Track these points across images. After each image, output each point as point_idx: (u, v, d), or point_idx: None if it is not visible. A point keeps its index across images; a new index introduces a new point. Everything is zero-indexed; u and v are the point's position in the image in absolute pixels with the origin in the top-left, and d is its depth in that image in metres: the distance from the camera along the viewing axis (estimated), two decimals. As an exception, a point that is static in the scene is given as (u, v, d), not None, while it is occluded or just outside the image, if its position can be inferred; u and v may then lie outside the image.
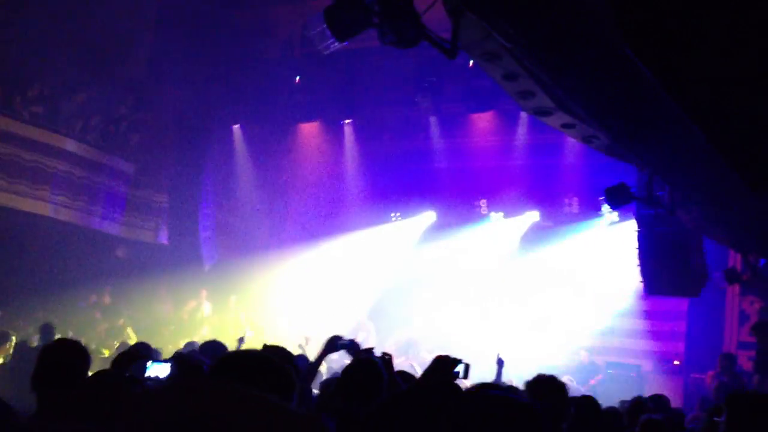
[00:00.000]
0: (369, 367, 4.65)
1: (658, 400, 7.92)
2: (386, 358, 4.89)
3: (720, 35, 4.10)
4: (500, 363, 9.06)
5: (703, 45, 4.21)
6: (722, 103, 4.89)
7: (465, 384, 4.72)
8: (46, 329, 12.26)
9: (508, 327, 17.32)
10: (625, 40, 4.01)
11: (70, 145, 17.38)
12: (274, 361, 2.01)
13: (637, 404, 7.18)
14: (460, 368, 4.24)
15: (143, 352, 4.13)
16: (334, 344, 5.97)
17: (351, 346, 5.94)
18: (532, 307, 17.91)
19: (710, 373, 12.88)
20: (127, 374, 3.74)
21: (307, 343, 13.55)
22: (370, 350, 5.56)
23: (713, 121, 5.12)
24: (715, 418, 5.51)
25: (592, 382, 15.38)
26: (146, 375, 3.71)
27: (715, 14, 4.00)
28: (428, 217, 19.53)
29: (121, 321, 16.92)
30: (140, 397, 0.76)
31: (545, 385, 5.06)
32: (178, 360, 4.11)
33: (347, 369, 4.74)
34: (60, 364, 3.87)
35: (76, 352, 4.03)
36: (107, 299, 17.96)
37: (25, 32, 15.74)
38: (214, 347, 7.20)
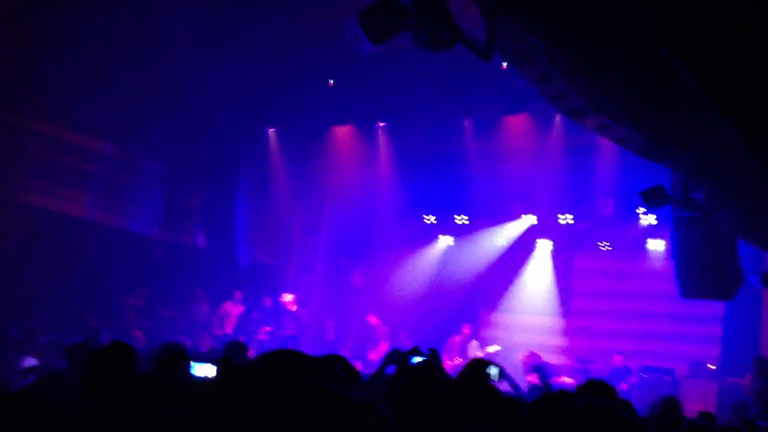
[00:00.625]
0: (431, 369, 4.69)
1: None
2: (434, 352, 4.93)
3: (759, 36, 4.08)
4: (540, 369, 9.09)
5: (742, 46, 4.19)
6: (761, 105, 4.86)
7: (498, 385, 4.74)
8: (91, 333, 12.37)
9: (543, 331, 17.33)
10: (662, 41, 4.00)
11: (107, 148, 17.59)
12: (317, 357, 2.04)
13: (669, 405, 7.07)
14: (493, 371, 4.28)
15: (185, 353, 4.16)
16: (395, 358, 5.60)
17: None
18: (567, 312, 17.88)
19: (748, 376, 12.75)
20: (173, 375, 3.77)
21: None
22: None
23: (752, 123, 5.09)
24: (759, 423, 5.49)
25: (624, 386, 15.27)
26: (191, 374, 3.72)
27: (754, 13, 3.98)
28: (461, 220, 19.59)
29: None
30: (199, 387, 0.78)
31: (596, 391, 5.02)
32: (222, 360, 4.15)
33: (412, 368, 4.78)
34: (113, 367, 3.94)
35: (126, 355, 4.09)
36: (143, 301, 18.13)
37: (59, 35, 15.96)
38: (236, 347, 7.22)
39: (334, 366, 2.72)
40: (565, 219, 18.33)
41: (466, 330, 17.90)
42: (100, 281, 16.73)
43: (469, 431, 3.42)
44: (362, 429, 0.73)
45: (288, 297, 18.37)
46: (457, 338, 17.68)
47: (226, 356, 5.93)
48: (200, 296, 18.82)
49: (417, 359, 4.96)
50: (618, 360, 16.30)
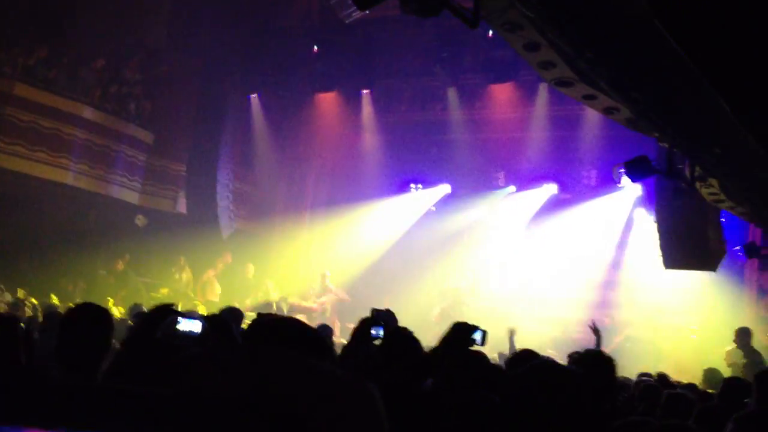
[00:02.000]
0: (406, 338, 4.66)
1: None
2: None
3: (750, 8, 4.04)
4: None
5: (732, 14, 4.16)
6: (753, 78, 4.84)
7: (482, 350, 4.73)
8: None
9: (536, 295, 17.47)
10: (653, 12, 3.96)
11: (89, 113, 17.42)
12: (310, 327, 2.00)
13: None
14: (477, 335, 4.26)
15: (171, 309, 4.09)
16: (367, 336, 5.43)
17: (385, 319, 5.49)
18: (556, 275, 17.92)
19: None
20: (159, 333, 3.71)
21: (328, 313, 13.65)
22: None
23: (743, 96, 5.07)
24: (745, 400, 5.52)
25: (617, 340, 15.35)
26: (178, 330, 3.66)
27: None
28: (443, 189, 19.52)
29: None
30: (191, 361, 0.75)
31: (592, 359, 5.02)
32: (207, 318, 4.09)
33: (385, 340, 4.74)
34: (84, 330, 3.87)
35: (99, 317, 4.03)
36: (120, 266, 18.01)
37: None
38: (232, 313, 7.23)
39: (326, 339, 2.68)
40: (549, 189, 18.32)
41: None
42: (81, 247, 16.65)
43: (467, 400, 3.40)
44: (352, 405, 0.71)
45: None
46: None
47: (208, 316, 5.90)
48: (183, 263, 18.75)
49: (374, 332, 4.90)
50: (607, 322, 16.18)
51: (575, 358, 5.17)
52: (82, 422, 0.73)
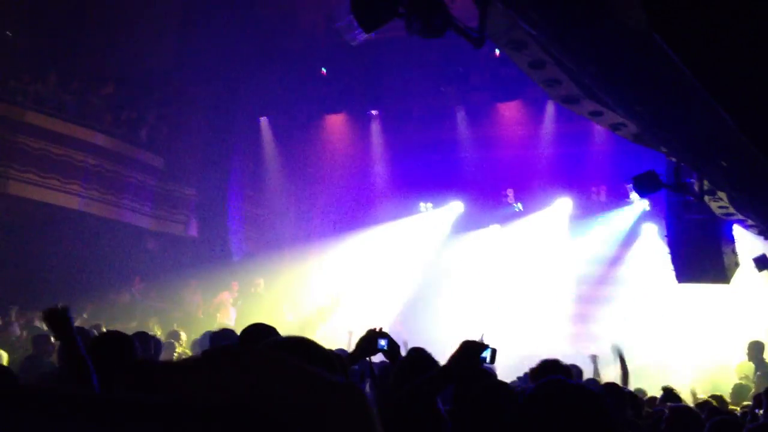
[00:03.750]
0: (425, 358, 4.72)
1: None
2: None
3: (749, 21, 4.08)
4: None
5: (733, 30, 4.20)
6: (753, 89, 4.86)
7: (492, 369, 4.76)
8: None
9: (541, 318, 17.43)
10: (652, 26, 4.00)
11: (100, 139, 17.55)
12: (320, 345, 2.02)
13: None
14: (486, 353, 4.28)
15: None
16: (373, 346, 5.21)
17: (390, 348, 5.28)
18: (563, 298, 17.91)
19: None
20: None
21: (350, 337, 13.56)
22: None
23: (744, 107, 5.09)
24: (756, 410, 5.52)
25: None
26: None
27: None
28: (456, 207, 19.56)
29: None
30: (172, 367, 0.75)
31: (550, 371, 5.08)
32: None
33: (404, 360, 4.81)
34: (108, 356, 3.94)
35: (122, 343, 4.09)
36: (137, 293, 18.08)
37: (52, 25, 15.90)
38: (225, 336, 7.13)
39: (339, 357, 2.69)
40: (559, 205, 18.36)
41: None
42: (92, 272, 16.70)
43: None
44: (340, 409, 0.71)
45: None
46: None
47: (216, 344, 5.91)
48: (194, 286, 18.79)
49: (382, 341, 4.96)
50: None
51: (534, 369, 5.22)
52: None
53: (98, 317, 15.63)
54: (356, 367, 5.66)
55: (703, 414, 6.36)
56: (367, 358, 5.14)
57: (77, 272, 16.52)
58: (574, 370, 6.84)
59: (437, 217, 19.79)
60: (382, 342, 4.88)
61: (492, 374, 4.91)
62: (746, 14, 4.08)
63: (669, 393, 8.13)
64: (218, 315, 17.85)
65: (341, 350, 8.89)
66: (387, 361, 5.35)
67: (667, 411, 5.90)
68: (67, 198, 17.05)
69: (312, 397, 0.78)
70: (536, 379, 4.99)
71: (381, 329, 5.01)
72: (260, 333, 4.29)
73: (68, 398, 0.76)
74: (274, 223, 20.72)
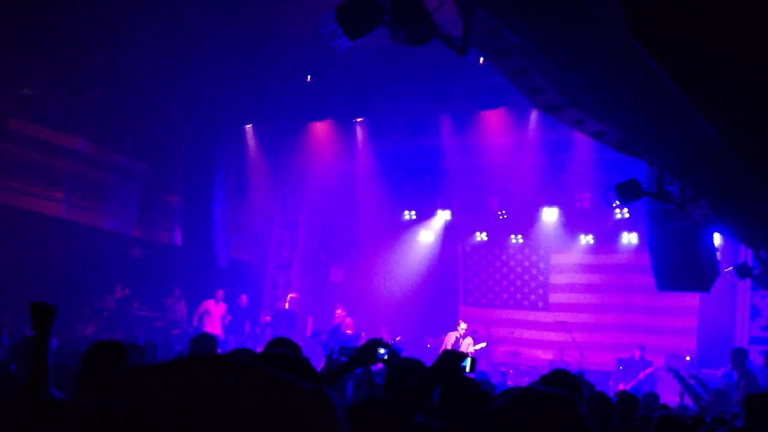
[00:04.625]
0: (415, 365, 4.72)
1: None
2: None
3: (730, 29, 4.14)
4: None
5: (713, 39, 4.25)
6: (734, 98, 4.92)
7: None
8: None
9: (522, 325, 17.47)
10: (633, 35, 4.05)
11: (83, 146, 17.50)
12: (294, 355, 2.02)
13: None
14: (466, 363, 4.30)
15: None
16: (372, 355, 5.13)
17: (390, 358, 5.13)
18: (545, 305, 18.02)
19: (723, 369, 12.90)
20: None
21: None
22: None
23: (724, 116, 5.15)
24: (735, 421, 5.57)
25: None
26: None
27: (725, 6, 4.04)
28: (442, 216, 19.68)
29: None
30: (138, 372, 0.74)
31: (561, 379, 5.11)
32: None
33: (395, 368, 4.80)
34: (104, 365, 3.94)
35: (117, 352, 4.10)
36: (120, 300, 18.01)
37: (36, 32, 15.85)
38: (204, 339, 7.08)
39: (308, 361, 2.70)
40: (544, 213, 18.51)
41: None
42: (76, 280, 16.63)
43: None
44: (307, 415, 0.70)
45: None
46: (452, 334, 17.48)
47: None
48: (178, 295, 18.74)
49: (382, 350, 4.95)
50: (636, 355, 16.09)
51: (545, 378, 5.25)
52: None
53: (82, 326, 15.59)
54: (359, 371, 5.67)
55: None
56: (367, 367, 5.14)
57: (60, 280, 16.44)
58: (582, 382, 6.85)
59: (424, 225, 19.91)
60: (382, 351, 4.88)
61: (476, 384, 4.92)
62: (727, 24, 4.14)
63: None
64: (204, 324, 17.82)
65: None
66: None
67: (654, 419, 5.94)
68: (51, 205, 16.98)
69: (279, 402, 0.77)
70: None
71: (381, 339, 5.01)
72: (283, 346, 4.33)
73: (28, 403, 0.75)
74: (260, 230, 20.70)
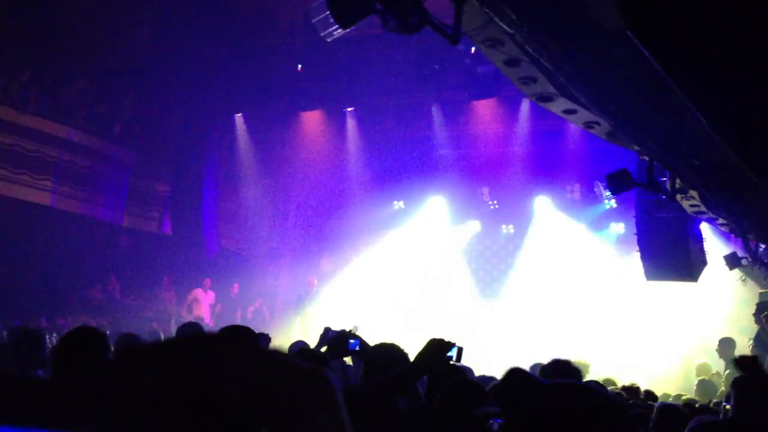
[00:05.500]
0: (394, 350, 4.67)
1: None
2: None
3: (722, 18, 4.13)
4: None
5: (706, 29, 4.24)
6: (726, 88, 4.92)
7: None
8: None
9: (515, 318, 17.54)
10: (627, 24, 4.04)
11: (72, 135, 17.41)
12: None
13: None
14: (453, 352, 4.28)
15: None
16: (344, 347, 5.16)
17: (362, 349, 5.17)
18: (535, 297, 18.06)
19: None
20: None
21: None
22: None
23: (716, 107, 5.15)
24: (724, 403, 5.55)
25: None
26: None
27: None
28: (434, 204, 19.67)
29: None
30: (133, 353, 0.72)
31: (561, 370, 5.09)
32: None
33: (372, 352, 4.75)
34: (81, 351, 3.88)
35: (96, 338, 4.04)
36: (109, 289, 17.99)
37: (25, 20, 15.75)
38: (191, 328, 7.03)
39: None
40: (535, 203, 18.54)
41: None
42: (64, 269, 16.58)
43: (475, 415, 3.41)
44: (306, 394, 0.69)
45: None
46: None
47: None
48: (167, 283, 18.71)
49: (352, 341, 4.93)
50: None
51: (545, 368, 5.23)
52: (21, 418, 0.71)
53: (70, 314, 15.54)
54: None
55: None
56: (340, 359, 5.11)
57: (49, 269, 16.40)
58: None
59: (416, 214, 19.90)
60: (353, 342, 4.86)
61: (464, 372, 4.90)
62: (719, 14, 4.13)
63: (634, 391, 8.17)
64: (193, 311, 17.80)
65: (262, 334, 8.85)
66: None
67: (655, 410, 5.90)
68: (39, 194, 16.90)
69: (277, 381, 0.76)
70: (548, 378, 4.96)
71: (353, 330, 4.99)
72: (239, 334, 4.29)
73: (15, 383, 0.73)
74: (249, 219, 20.66)
